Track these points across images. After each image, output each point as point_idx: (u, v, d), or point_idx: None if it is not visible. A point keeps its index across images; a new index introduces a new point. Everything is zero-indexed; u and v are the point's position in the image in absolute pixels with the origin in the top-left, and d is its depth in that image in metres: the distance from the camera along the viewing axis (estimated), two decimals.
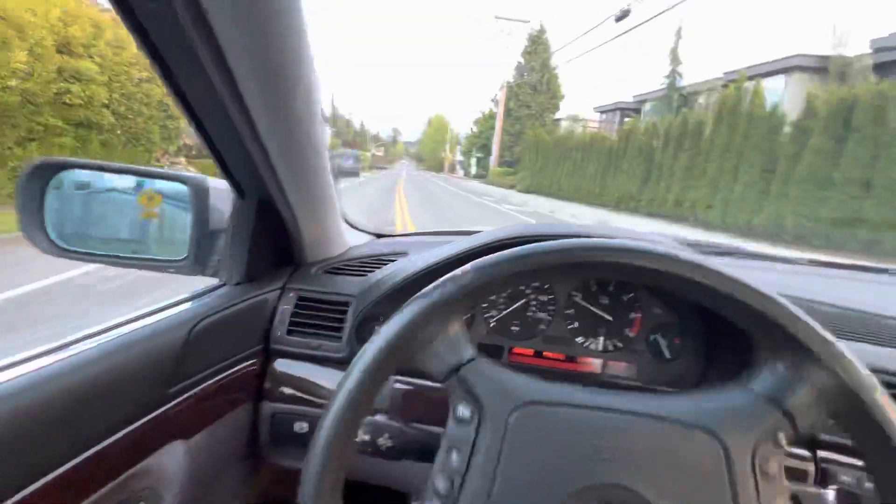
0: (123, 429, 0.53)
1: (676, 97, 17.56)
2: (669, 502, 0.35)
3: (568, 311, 0.79)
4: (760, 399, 0.37)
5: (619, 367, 0.78)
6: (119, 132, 10.12)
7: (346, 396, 0.37)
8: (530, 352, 0.80)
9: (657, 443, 0.37)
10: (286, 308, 0.80)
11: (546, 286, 0.80)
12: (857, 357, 0.35)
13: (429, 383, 0.74)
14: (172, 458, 0.61)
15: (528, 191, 22.25)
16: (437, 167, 62.98)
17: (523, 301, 0.80)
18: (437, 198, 16.29)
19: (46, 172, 0.68)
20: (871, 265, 1.18)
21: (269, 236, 0.77)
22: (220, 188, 0.72)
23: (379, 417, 0.53)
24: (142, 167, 0.75)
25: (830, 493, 0.56)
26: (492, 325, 0.81)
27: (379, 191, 17.09)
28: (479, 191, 22.20)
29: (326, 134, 0.68)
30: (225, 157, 0.64)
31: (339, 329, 0.77)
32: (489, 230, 0.83)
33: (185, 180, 0.72)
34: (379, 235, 1.11)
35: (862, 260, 2.02)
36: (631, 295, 0.78)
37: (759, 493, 0.35)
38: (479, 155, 38.36)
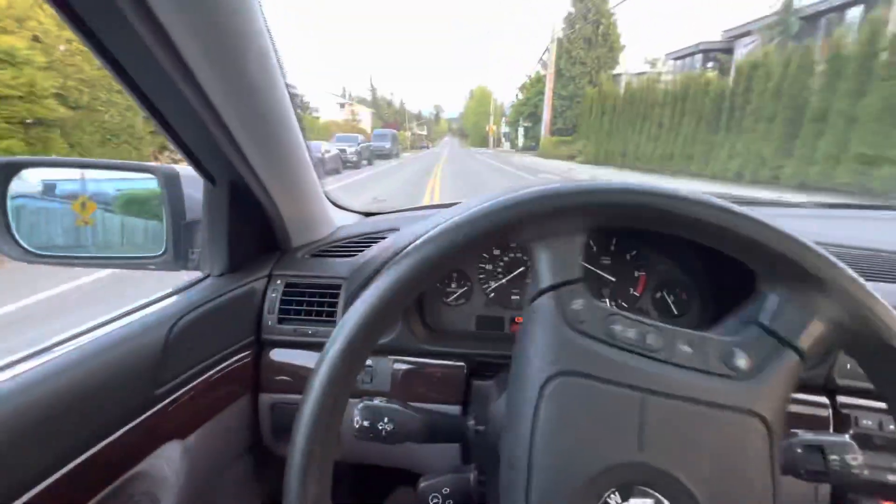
0: (110, 435, 0.51)
1: (796, 23, 13.18)
2: (716, 498, 0.33)
3: None
4: (796, 355, 0.34)
5: None
6: (90, 128, 8.09)
7: (320, 383, 0.35)
8: None
9: (710, 432, 0.34)
10: (275, 296, 0.77)
11: None
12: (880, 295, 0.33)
13: (430, 360, 0.73)
14: (169, 460, 0.59)
15: (594, 162, 18.46)
16: (482, 142, 58.35)
17: (522, 269, 0.79)
18: (482, 181, 13.17)
19: (3, 174, 0.65)
20: (879, 204, 1.19)
21: (249, 222, 0.74)
22: (195, 176, 0.68)
23: (378, 401, 0.47)
24: (104, 161, 0.78)
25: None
26: (491, 296, 0.81)
27: (410, 178, 14.16)
28: (533, 166, 18.68)
29: (289, 106, 0.63)
30: (185, 141, 0.60)
31: (331, 314, 0.75)
32: (482, 196, 0.72)
33: (153, 170, 0.70)
34: (368, 214, 1.08)
35: None
36: (634, 252, 0.77)
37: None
38: (526, 124, 33.67)
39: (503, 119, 51.21)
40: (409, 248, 0.37)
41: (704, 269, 0.74)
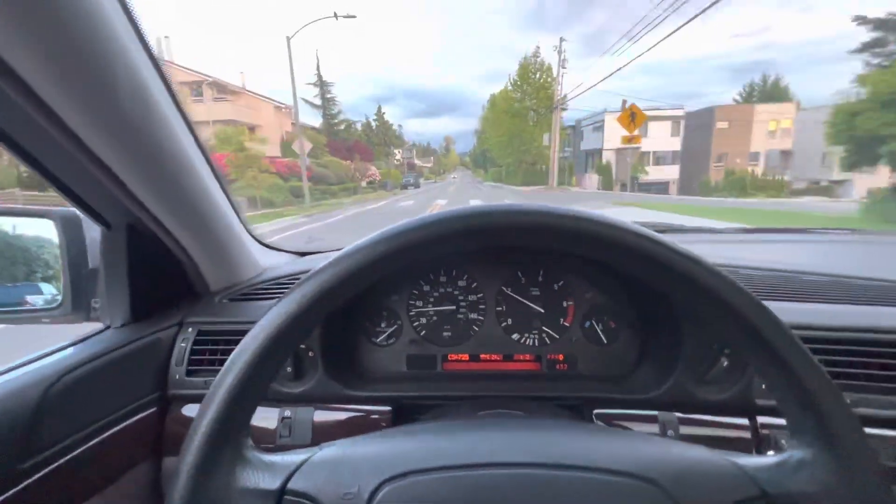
0: None
1: None
2: None
3: (499, 309, 0.78)
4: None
5: (558, 360, 0.76)
6: None
7: (201, 434, 0.32)
8: (465, 357, 0.77)
9: (575, 487, 0.32)
10: (184, 345, 0.71)
11: (474, 284, 0.78)
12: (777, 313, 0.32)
13: (355, 406, 0.69)
14: None
15: None
16: (527, 177, 33.15)
17: (452, 304, 0.78)
18: None
19: None
20: (794, 227, 1.24)
21: (156, 267, 0.69)
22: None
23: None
24: None
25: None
26: (422, 333, 0.78)
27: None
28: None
29: (188, 144, 0.59)
30: (67, 184, 0.56)
31: None
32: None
33: (49, 215, 0.66)
34: (302, 254, 1.04)
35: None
36: (561, 283, 0.76)
37: None
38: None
39: (581, 130, 33.08)
40: (303, 277, 0.35)
41: (629, 297, 0.73)
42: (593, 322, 0.76)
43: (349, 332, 0.78)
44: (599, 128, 32.92)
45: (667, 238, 0.33)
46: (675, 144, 32.17)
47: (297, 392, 0.68)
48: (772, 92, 38.14)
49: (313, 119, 43.58)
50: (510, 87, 32.20)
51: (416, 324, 0.79)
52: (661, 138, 31.98)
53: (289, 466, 0.34)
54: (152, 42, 0.52)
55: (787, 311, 0.64)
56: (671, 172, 31.73)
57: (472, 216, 0.33)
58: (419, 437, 0.37)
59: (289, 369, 0.67)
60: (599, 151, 32.87)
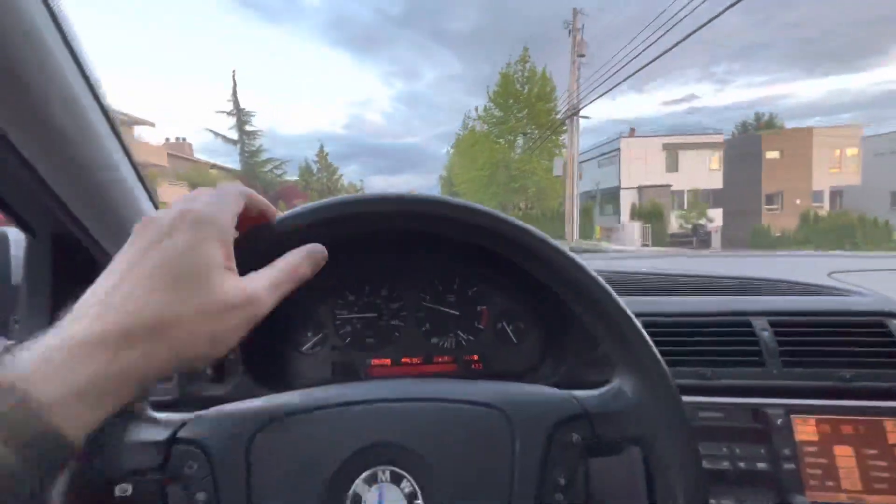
0: None
1: None
2: (445, 459, 0.37)
3: (419, 315, 0.82)
4: None
5: (473, 360, 0.80)
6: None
7: None
8: (388, 362, 0.80)
9: (437, 417, 0.39)
10: None
11: (395, 293, 0.82)
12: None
13: None
14: None
15: None
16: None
17: (375, 312, 0.81)
18: None
19: None
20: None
21: (80, 279, 0.67)
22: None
23: None
24: None
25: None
26: (347, 340, 0.81)
27: None
28: None
29: (114, 152, 0.59)
30: None
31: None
32: None
33: None
34: None
35: None
36: (475, 289, 0.81)
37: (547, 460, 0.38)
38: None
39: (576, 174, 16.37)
40: None
41: (535, 300, 0.78)
42: (504, 324, 0.81)
43: (275, 340, 0.78)
44: (612, 160, 24.21)
45: (511, 218, 0.39)
46: (715, 181, 23.63)
47: (218, 395, 0.67)
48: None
49: (225, 156, 33.25)
50: (489, 105, 22.85)
51: (342, 332, 0.81)
52: (696, 172, 23.46)
53: (179, 420, 0.39)
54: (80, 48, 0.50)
55: (638, 302, 0.72)
56: (713, 216, 22.75)
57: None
58: (301, 391, 0.42)
59: (208, 371, 0.67)
60: (614, 191, 23.97)
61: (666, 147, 23.64)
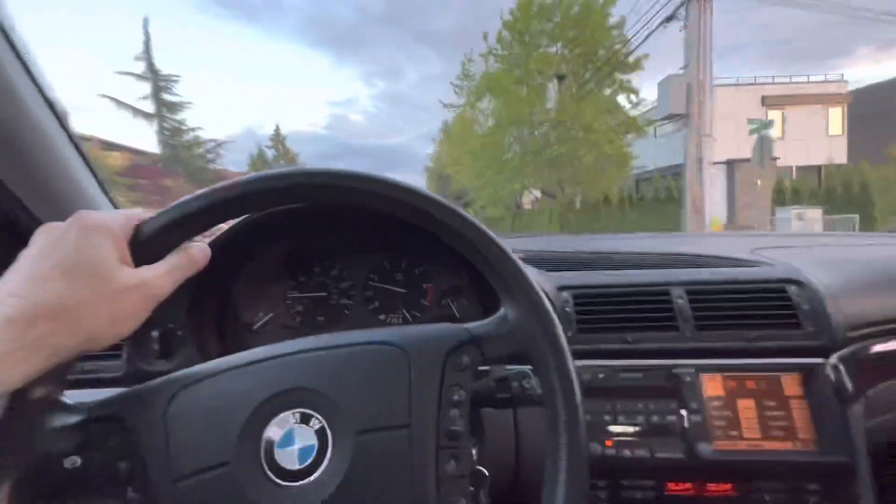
0: None
1: None
2: (349, 394, 0.40)
3: (368, 294, 0.85)
4: None
5: None
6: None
7: None
8: None
9: (341, 362, 0.43)
10: None
11: (344, 272, 0.85)
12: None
13: None
14: None
15: None
16: (582, 216, 15.21)
17: (325, 292, 0.85)
18: None
19: None
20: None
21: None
22: None
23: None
24: None
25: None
26: (297, 319, 0.84)
27: None
28: None
29: (61, 142, 0.62)
30: None
31: (117, 345, 0.72)
32: None
33: None
34: None
35: None
36: (422, 268, 0.85)
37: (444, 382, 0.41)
38: None
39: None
40: None
41: (477, 278, 0.82)
42: (449, 301, 0.85)
43: (225, 319, 0.79)
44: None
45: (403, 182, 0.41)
46: (838, 150, 15.99)
47: (165, 371, 0.68)
48: None
49: (138, 134, 24.69)
50: (497, 47, 14.91)
51: (293, 311, 0.83)
52: (809, 136, 15.84)
53: (94, 401, 0.41)
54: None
55: (576, 276, 0.77)
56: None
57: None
58: (215, 360, 0.44)
59: (155, 346, 0.68)
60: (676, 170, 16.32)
61: (767, 101, 15.95)
